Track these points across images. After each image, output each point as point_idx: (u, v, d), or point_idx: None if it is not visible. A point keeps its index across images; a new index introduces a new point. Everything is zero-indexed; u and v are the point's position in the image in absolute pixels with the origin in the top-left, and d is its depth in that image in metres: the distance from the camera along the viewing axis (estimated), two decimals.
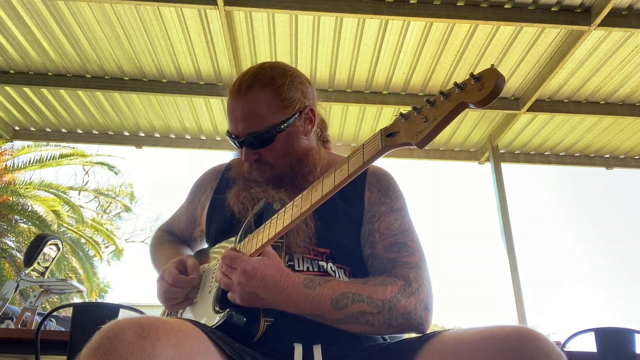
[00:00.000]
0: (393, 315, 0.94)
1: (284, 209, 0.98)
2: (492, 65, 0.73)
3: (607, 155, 5.14)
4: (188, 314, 1.11)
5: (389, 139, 0.83)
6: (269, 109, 1.10)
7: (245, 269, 0.93)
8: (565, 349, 2.50)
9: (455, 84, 0.74)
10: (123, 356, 0.66)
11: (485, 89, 0.70)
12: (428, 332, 0.95)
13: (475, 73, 0.73)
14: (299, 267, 1.05)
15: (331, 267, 1.07)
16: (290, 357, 0.91)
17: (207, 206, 1.27)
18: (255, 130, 1.10)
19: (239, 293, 0.94)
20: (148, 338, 0.68)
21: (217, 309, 0.99)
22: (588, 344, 2.55)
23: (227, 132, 1.16)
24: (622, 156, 5.15)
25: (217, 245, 1.19)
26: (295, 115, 1.13)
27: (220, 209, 1.18)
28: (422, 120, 0.77)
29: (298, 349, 0.92)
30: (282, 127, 1.11)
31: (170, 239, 1.39)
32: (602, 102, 4.30)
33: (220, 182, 1.29)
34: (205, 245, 1.28)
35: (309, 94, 1.19)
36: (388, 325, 0.94)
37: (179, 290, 1.08)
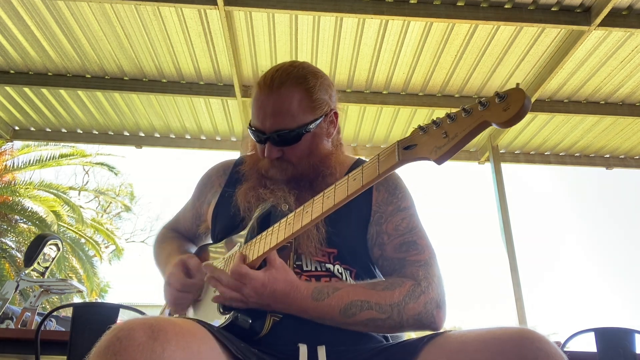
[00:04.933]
0: (403, 318, 0.95)
1: (293, 213, 0.97)
2: (518, 84, 0.70)
3: (607, 155, 5.14)
4: (192, 312, 1.11)
5: (406, 152, 0.80)
6: (300, 108, 1.10)
7: (255, 286, 0.94)
8: (565, 349, 2.50)
9: (479, 101, 0.71)
10: (132, 356, 0.66)
11: (510, 109, 0.68)
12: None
13: (500, 92, 0.70)
14: (307, 267, 1.06)
15: (338, 269, 1.07)
16: (295, 357, 0.92)
17: (213, 202, 1.26)
18: (283, 127, 1.09)
19: (249, 304, 0.96)
20: (158, 339, 0.69)
21: (222, 310, 1.00)
22: (588, 344, 2.55)
23: (250, 126, 1.14)
24: (622, 156, 5.15)
25: (221, 242, 1.18)
26: (322, 117, 1.14)
27: (226, 206, 1.17)
28: (442, 136, 0.75)
29: (303, 350, 0.93)
30: (309, 127, 1.11)
31: (173, 235, 1.39)
32: (602, 102, 4.30)
33: (229, 177, 1.28)
34: (210, 242, 1.27)
35: (333, 97, 1.20)
36: (400, 327, 0.96)
37: (187, 294, 1.09)
